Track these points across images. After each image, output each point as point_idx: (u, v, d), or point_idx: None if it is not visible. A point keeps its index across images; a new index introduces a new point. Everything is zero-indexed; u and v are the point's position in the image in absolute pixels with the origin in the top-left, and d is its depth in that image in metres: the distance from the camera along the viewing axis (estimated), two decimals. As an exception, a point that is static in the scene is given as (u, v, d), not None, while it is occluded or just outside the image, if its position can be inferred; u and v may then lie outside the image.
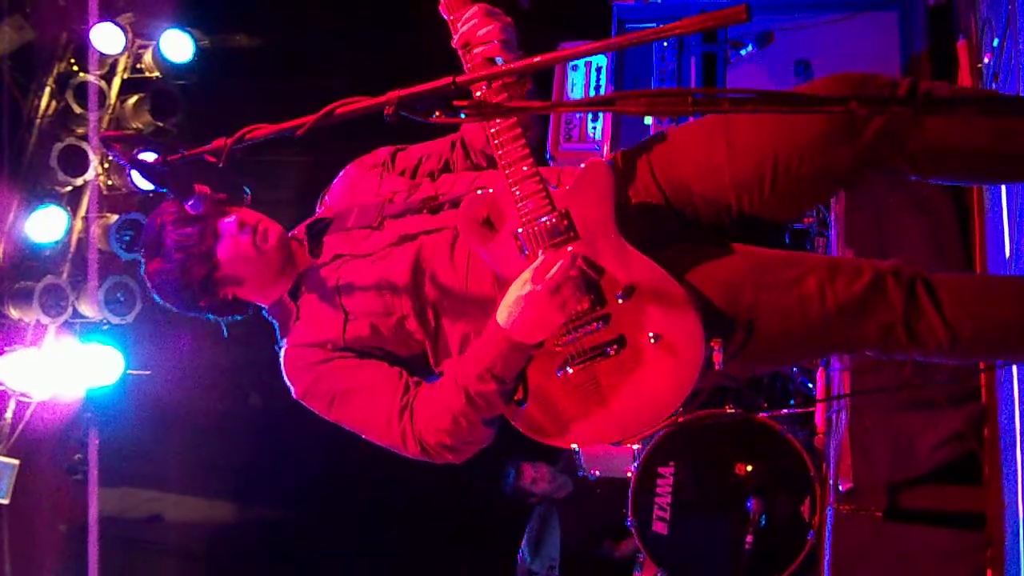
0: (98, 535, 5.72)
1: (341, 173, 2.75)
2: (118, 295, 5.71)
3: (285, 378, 2.54)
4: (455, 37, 2.37)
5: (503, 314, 2.29)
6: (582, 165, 2.36)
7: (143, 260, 2.59)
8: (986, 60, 3.91)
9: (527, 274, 2.27)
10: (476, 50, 2.33)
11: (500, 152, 2.30)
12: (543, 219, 2.30)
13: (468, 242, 2.39)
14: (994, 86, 3.76)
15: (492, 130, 2.30)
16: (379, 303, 2.47)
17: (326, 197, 2.76)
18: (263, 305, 2.65)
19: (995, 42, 3.72)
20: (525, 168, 2.30)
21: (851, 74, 2.39)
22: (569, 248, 2.29)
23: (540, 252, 2.31)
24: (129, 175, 5.63)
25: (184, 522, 6.70)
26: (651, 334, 2.29)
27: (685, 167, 2.47)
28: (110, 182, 5.84)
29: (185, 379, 6.04)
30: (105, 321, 5.67)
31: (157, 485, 6.35)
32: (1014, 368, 3.37)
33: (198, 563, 6.85)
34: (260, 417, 6.75)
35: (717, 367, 2.29)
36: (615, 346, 2.31)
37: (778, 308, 2.34)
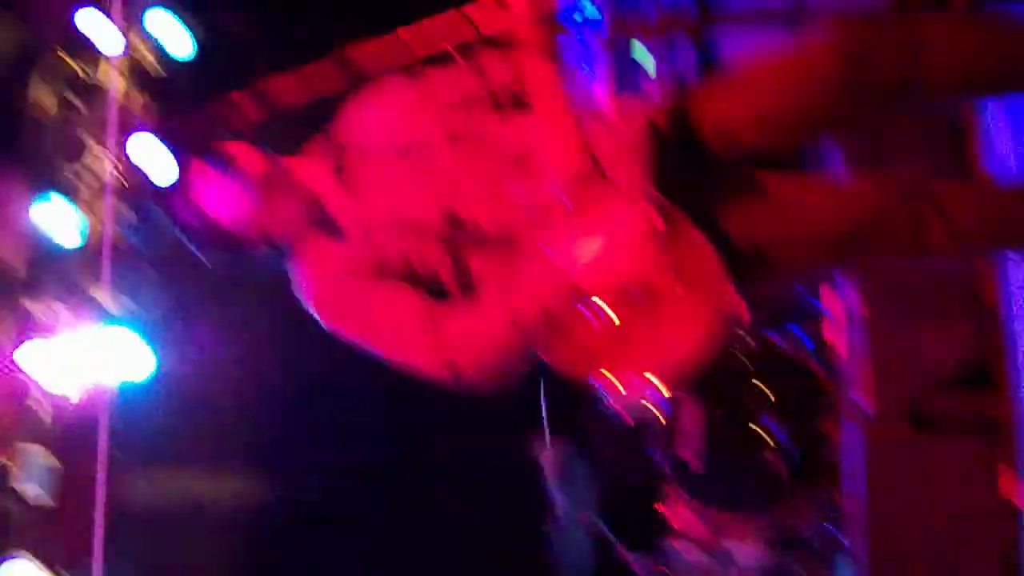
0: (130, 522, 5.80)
1: (356, 104, 2.79)
2: (138, 285, 5.75)
3: (309, 302, 2.60)
4: None
5: (573, 258, 2.35)
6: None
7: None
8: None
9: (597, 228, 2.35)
10: None
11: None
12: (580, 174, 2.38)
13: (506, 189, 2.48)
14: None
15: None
16: (400, 231, 2.53)
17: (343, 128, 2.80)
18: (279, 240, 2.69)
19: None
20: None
21: None
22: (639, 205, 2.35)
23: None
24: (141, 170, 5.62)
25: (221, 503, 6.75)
26: (676, 275, 2.34)
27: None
28: (123, 177, 5.85)
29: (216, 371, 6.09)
30: (129, 313, 5.71)
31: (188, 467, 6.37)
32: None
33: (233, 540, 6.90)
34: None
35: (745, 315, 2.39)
36: (639, 293, 2.36)
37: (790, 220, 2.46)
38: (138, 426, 5.81)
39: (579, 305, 2.39)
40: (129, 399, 5.69)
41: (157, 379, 5.70)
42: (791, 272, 2.96)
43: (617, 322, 2.37)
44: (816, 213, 2.55)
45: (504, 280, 2.49)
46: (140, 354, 5.70)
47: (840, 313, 4.83)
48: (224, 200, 2.58)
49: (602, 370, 2.47)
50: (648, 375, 2.43)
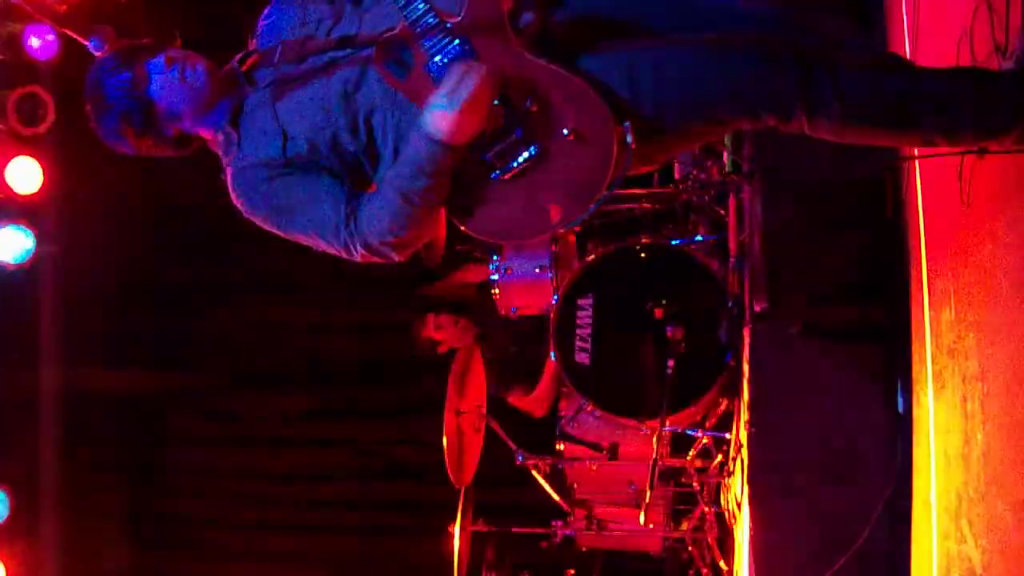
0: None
1: (267, 8, 2.90)
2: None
3: (234, 199, 2.75)
4: None
5: (427, 119, 2.50)
6: None
7: (90, 115, 2.78)
8: None
9: (450, 84, 2.48)
10: None
11: None
12: (448, 49, 2.52)
13: (389, 82, 2.60)
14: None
15: None
16: (313, 121, 2.67)
17: (257, 30, 2.90)
18: (206, 137, 2.84)
19: None
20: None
21: None
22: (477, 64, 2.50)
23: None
24: (27, 45, 5.39)
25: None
26: (565, 130, 2.50)
27: None
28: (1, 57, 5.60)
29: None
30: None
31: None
32: (918, 177, 3.48)
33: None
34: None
35: (633, 146, 2.48)
36: (536, 146, 2.53)
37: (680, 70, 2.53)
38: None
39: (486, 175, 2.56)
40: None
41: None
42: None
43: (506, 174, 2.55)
44: None
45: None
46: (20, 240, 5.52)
47: (737, 217, 4.87)
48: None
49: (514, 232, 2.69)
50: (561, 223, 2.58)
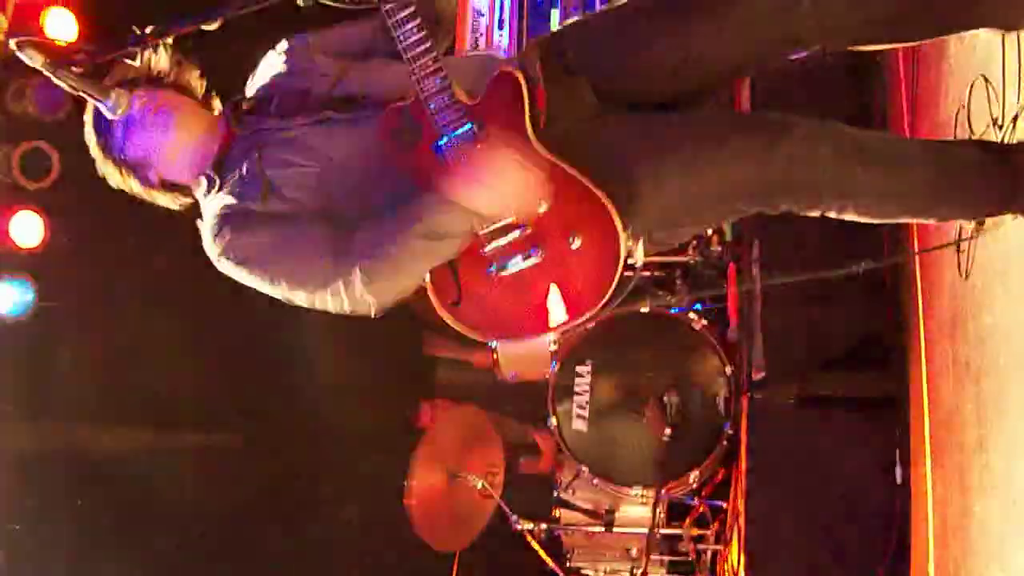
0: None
1: (263, 58, 2.80)
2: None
3: (209, 246, 2.59)
4: None
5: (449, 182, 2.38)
6: (494, 73, 2.44)
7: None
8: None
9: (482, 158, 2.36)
10: None
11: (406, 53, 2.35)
12: (460, 131, 2.39)
13: (389, 152, 2.48)
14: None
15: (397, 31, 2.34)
16: (300, 180, 2.54)
17: (257, 71, 2.80)
18: (187, 183, 2.70)
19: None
20: (433, 70, 2.35)
21: None
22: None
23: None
24: (37, 98, 5.40)
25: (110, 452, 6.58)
26: (571, 236, 2.41)
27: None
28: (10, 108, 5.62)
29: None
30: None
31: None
32: (915, 249, 3.49)
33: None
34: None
35: (637, 265, 2.43)
36: (539, 249, 2.42)
37: (686, 162, 2.47)
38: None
39: (484, 270, 2.45)
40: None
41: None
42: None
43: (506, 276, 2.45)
44: None
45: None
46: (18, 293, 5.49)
47: (737, 285, 4.88)
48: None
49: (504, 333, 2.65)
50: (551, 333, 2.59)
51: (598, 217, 2.38)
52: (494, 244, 2.43)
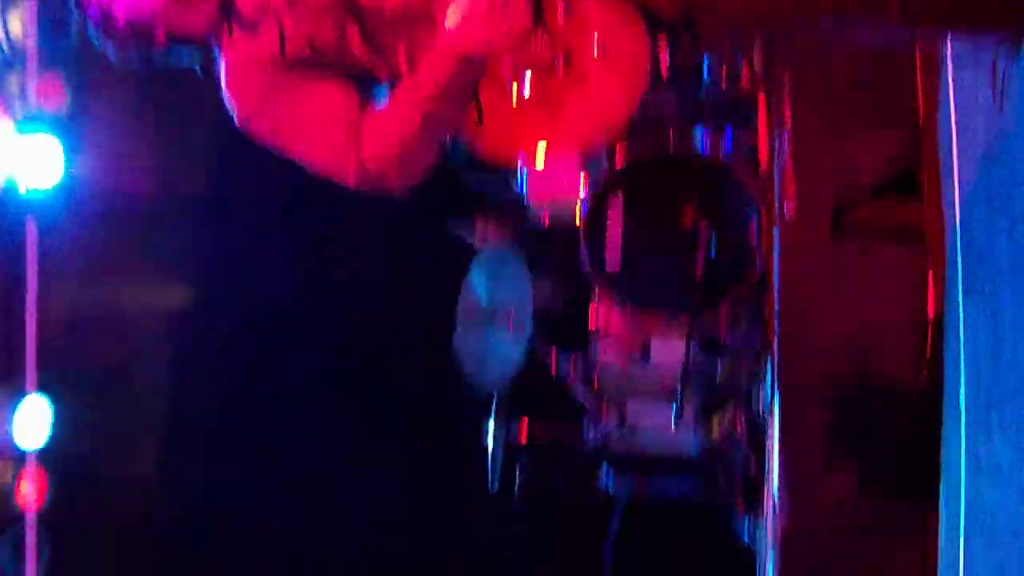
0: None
1: None
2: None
3: (227, 99, 2.46)
4: None
5: (451, 21, 2.23)
6: None
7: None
8: None
9: None
10: None
11: None
12: None
13: None
14: None
15: None
16: (316, 21, 2.40)
17: None
18: (194, 35, 2.50)
19: None
20: None
21: None
22: None
23: None
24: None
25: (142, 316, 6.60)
26: (596, 46, 2.31)
27: None
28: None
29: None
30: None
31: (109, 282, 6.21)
32: (950, 79, 3.41)
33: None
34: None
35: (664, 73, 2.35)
36: (562, 62, 2.33)
37: None
38: (57, 233, 5.69)
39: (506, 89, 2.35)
40: (46, 205, 5.56)
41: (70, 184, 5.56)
42: (721, 42, 2.88)
43: (528, 95, 2.34)
44: None
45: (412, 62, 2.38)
46: (53, 158, 5.52)
47: (767, 117, 4.80)
48: None
49: (523, 150, 2.46)
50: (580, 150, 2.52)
51: (623, 25, 2.33)
52: (516, 61, 2.33)
